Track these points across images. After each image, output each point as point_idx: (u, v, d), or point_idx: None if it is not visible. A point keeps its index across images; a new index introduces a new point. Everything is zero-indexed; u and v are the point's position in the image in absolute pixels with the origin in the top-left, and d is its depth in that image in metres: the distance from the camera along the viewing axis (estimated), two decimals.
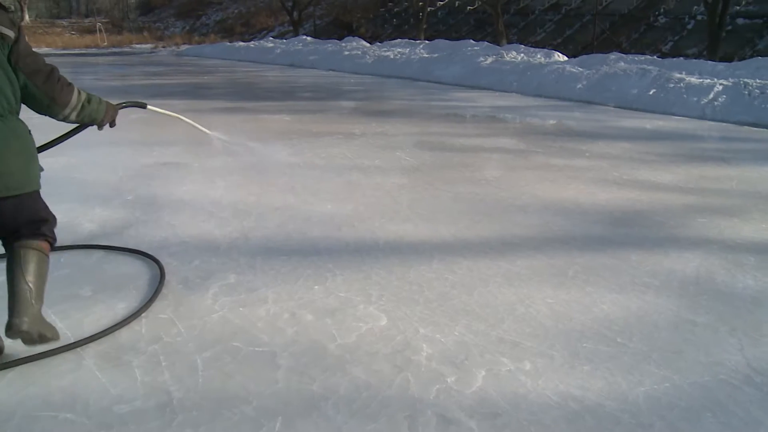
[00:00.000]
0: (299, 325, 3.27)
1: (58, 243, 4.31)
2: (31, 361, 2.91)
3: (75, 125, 3.24)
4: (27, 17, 63.72)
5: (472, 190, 5.96)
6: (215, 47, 37.35)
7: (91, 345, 3.08)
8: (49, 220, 3.03)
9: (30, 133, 2.86)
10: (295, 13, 47.18)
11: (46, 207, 3.05)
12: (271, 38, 38.92)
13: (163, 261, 4.10)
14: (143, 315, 3.40)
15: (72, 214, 5.18)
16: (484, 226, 4.93)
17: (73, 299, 3.62)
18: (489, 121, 10.48)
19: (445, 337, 3.13)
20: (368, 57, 21.49)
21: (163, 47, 47.65)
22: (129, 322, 3.31)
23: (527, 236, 4.69)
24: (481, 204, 5.51)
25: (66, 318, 3.38)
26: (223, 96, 14.85)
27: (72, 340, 3.10)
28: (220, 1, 64.15)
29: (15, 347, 2.95)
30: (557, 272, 3.98)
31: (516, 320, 3.32)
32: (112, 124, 3.28)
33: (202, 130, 4.21)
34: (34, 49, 2.79)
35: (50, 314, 3.40)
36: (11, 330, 2.73)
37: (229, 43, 38.72)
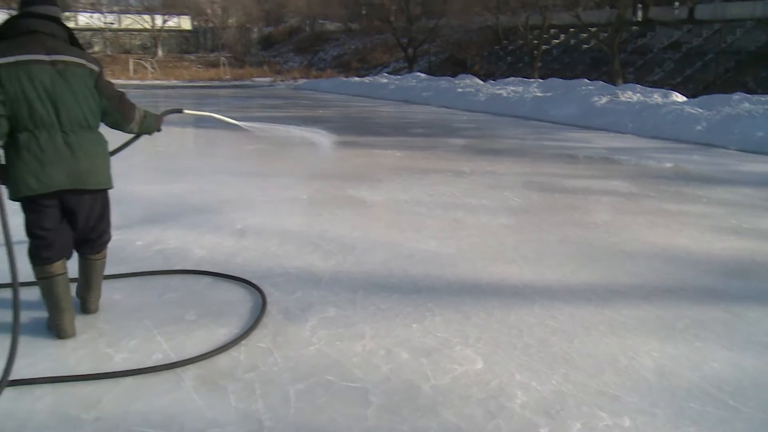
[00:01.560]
0: (394, 362, 3.27)
1: (170, 267, 4.54)
2: (134, 375, 3.06)
3: (134, 135, 4.03)
4: (160, 52, 67.32)
5: (580, 233, 5.84)
6: (331, 82, 38.23)
7: (191, 368, 3.20)
8: (108, 228, 3.83)
9: (106, 143, 3.66)
10: (410, 50, 47.83)
11: (109, 208, 3.82)
12: (385, 74, 39.49)
13: (266, 290, 4.21)
14: (242, 342, 3.48)
15: (184, 240, 5.40)
16: (590, 271, 4.80)
17: (178, 322, 3.78)
18: (602, 163, 10.25)
19: (541, 385, 3.06)
20: (481, 95, 21.49)
21: (282, 81, 49.23)
22: (228, 349, 3.41)
23: (635, 284, 4.53)
24: (589, 248, 5.38)
25: (170, 339, 3.53)
26: (337, 130, 15.15)
27: (174, 361, 3.23)
28: (337, 37, 65.83)
29: (124, 363, 3.10)
30: (665, 324, 3.83)
31: (617, 373, 3.20)
32: (159, 130, 4.09)
33: (236, 125, 4.69)
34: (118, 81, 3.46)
35: (156, 335, 3.59)
36: (89, 311, 3.87)
37: (344, 78, 39.60)
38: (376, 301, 4.10)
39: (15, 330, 2.93)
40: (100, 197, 3.64)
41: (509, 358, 3.33)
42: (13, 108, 3.22)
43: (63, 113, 3.32)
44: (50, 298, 3.51)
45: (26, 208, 3.42)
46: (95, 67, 3.49)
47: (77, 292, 3.89)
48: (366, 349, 3.43)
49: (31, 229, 3.44)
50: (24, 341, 3.41)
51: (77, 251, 3.73)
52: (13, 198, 3.34)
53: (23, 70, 3.21)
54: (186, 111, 4.44)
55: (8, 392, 2.91)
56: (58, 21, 3.44)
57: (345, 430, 2.67)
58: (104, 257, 3.83)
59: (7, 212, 2.93)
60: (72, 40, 3.51)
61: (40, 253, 3.47)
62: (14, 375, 2.95)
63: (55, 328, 3.55)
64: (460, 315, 3.90)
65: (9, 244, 2.98)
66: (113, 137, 3.87)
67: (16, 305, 2.97)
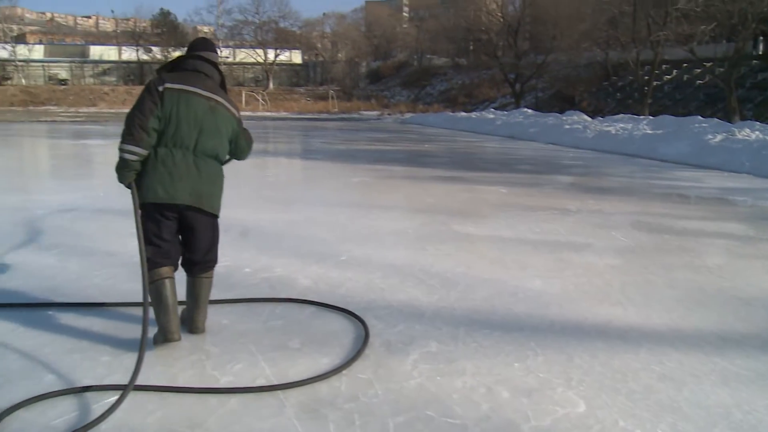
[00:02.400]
0: (495, 401, 3.24)
1: (276, 295, 4.67)
2: (235, 393, 3.18)
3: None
4: (271, 85, 69.50)
5: (690, 276, 5.64)
6: (438, 116, 38.53)
7: (293, 394, 3.26)
8: (217, 251, 4.16)
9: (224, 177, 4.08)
10: (517, 86, 47.70)
11: (218, 233, 4.17)
12: (492, 109, 39.49)
13: (369, 322, 4.25)
14: (344, 372, 3.53)
15: (290, 269, 5.54)
16: (701, 316, 4.62)
17: (282, 349, 3.86)
18: (715, 204, 9.89)
19: None
20: (589, 131, 21.18)
21: (389, 114, 49.94)
22: (328, 377, 3.47)
23: (750, 333, 4.32)
24: (700, 293, 5.19)
25: (274, 366, 3.61)
26: (443, 165, 15.25)
27: (277, 389, 3.31)
28: (444, 72, 66.30)
29: (229, 382, 3.20)
30: None
31: (731, 427, 3.06)
32: None
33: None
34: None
35: (260, 360, 3.68)
36: (197, 331, 4.06)
37: (451, 113, 39.86)
38: (478, 338, 4.08)
39: (142, 341, 3.37)
40: (215, 221, 4.04)
41: (613, 403, 3.24)
42: (163, 126, 3.72)
43: (201, 141, 3.81)
44: (160, 301, 3.78)
45: (149, 217, 3.79)
46: (238, 115, 4.09)
47: (184, 315, 4.12)
48: (467, 385, 3.41)
49: (149, 236, 3.79)
50: (133, 359, 3.60)
51: (187, 271, 4.04)
52: (147, 200, 3.75)
53: (184, 97, 3.76)
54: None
55: (123, 404, 3.06)
56: (216, 66, 4.02)
57: None
58: (212, 276, 4.12)
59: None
60: (222, 83, 4.06)
61: (155, 258, 3.79)
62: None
63: (163, 333, 3.79)
64: (563, 356, 3.83)
65: (143, 266, 3.59)
66: None
67: (144, 319, 3.44)
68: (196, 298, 4.05)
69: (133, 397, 3.20)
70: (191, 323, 4.07)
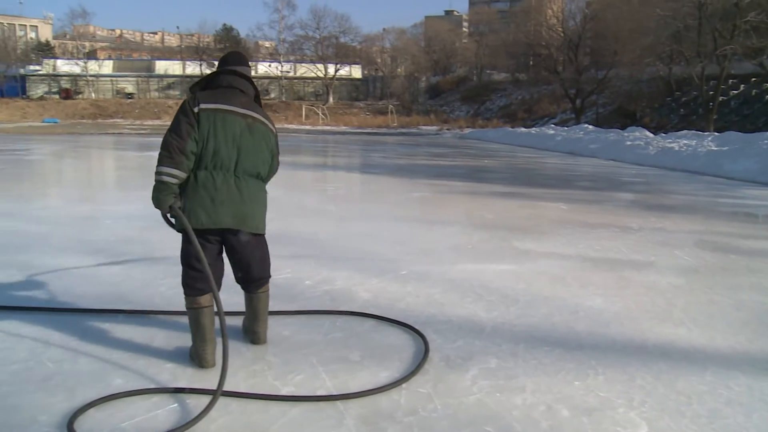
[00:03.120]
0: (554, 419, 3.22)
1: (336, 307, 4.73)
2: (298, 401, 3.22)
3: None
4: (331, 99, 70.24)
5: (757, 298, 5.50)
6: (497, 132, 38.38)
7: (353, 407, 3.31)
8: (269, 266, 4.13)
9: (266, 193, 4.04)
10: (578, 101, 47.24)
11: (267, 248, 4.14)
12: (552, 125, 39.21)
13: (429, 337, 4.27)
14: (403, 386, 3.56)
15: (351, 282, 5.60)
16: None
17: (342, 362, 3.90)
18: None
19: None
20: (651, 148, 20.83)
21: (448, 129, 49.95)
22: (388, 389, 3.51)
23: None
24: None
25: (334, 378, 3.66)
26: (502, 180, 15.19)
27: (337, 399, 3.37)
28: (504, 87, 66.05)
29: (290, 392, 3.26)
30: None
31: None
32: None
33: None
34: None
35: (321, 372, 3.74)
36: (259, 342, 4.13)
37: (510, 128, 39.67)
38: (538, 355, 4.06)
39: (225, 350, 3.46)
40: (262, 240, 3.99)
41: (677, 426, 3.19)
42: (202, 147, 3.62)
43: (241, 161, 3.72)
44: (197, 328, 3.76)
45: (191, 242, 3.64)
46: (274, 129, 4.00)
47: (245, 326, 4.20)
48: (526, 403, 3.40)
49: (188, 260, 3.75)
50: (198, 371, 3.69)
51: (243, 288, 4.06)
52: (179, 230, 3.71)
53: (220, 117, 3.65)
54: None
55: (187, 409, 3.16)
56: (250, 80, 3.93)
57: None
58: (268, 290, 4.12)
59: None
60: (257, 98, 3.97)
61: (195, 284, 3.73)
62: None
63: (197, 358, 3.79)
64: (624, 376, 3.78)
65: (209, 278, 3.54)
66: None
67: (222, 328, 3.51)
68: (255, 312, 4.08)
69: (197, 402, 3.29)
70: (253, 335, 4.12)
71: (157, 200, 3.61)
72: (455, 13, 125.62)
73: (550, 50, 53.19)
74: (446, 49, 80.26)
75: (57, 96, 73.18)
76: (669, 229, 8.64)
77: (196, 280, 3.73)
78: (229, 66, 3.91)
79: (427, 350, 4.04)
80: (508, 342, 4.27)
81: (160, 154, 3.58)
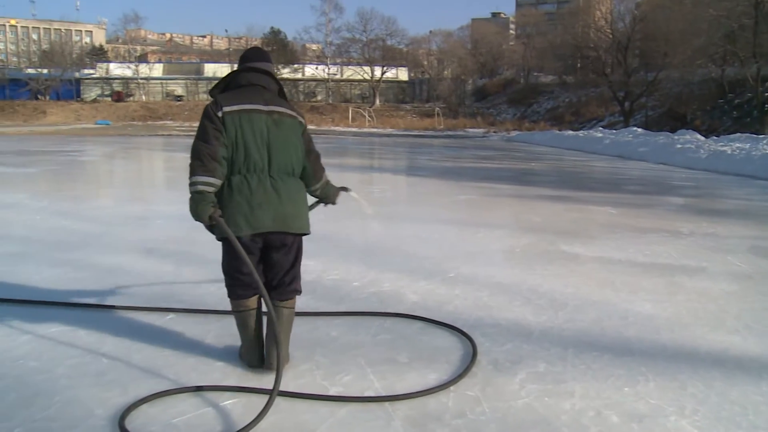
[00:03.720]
0: (603, 425, 3.19)
1: (384, 309, 4.74)
2: (346, 402, 3.27)
3: (315, 202, 4.09)
4: (377, 102, 70.45)
5: None
6: (544, 135, 38.08)
7: (402, 408, 3.32)
8: (299, 275, 3.88)
9: (305, 190, 3.87)
10: (626, 104, 46.59)
11: (302, 254, 3.88)
12: (600, 128, 38.73)
13: (477, 340, 4.27)
14: (451, 389, 3.56)
15: (398, 284, 5.62)
16: None
17: (391, 363, 3.92)
18: None
19: None
20: (702, 151, 20.45)
21: (494, 132, 49.71)
22: (436, 392, 3.52)
23: None
24: None
25: (382, 379, 3.68)
26: (549, 183, 15.08)
27: (385, 400, 3.39)
28: (551, 89, 65.51)
29: (338, 392, 3.29)
30: None
31: None
32: (334, 203, 4.14)
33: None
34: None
35: (369, 373, 3.76)
36: (270, 367, 3.71)
37: (557, 131, 39.30)
38: (587, 360, 4.03)
39: (279, 353, 3.38)
40: (299, 241, 3.79)
41: None
42: (232, 152, 3.51)
43: (274, 159, 3.58)
44: (245, 330, 3.75)
45: (230, 250, 3.57)
46: (303, 120, 3.80)
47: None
48: (575, 408, 3.38)
49: (229, 269, 3.69)
50: (248, 370, 3.74)
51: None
52: (219, 238, 3.59)
53: (245, 118, 3.53)
54: (351, 193, 4.35)
55: (238, 407, 3.21)
56: (272, 75, 3.79)
57: None
58: (293, 308, 3.83)
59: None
60: (281, 92, 3.83)
61: (237, 291, 3.71)
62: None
63: (246, 359, 3.81)
64: (675, 383, 3.72)
65: (261, 290, 3.44)
66: None
67: (277, 332, 3.47)
68: (273, 329, 3.63)
69: (246, 400, 3.35)
70: (267, 358, 3.76)
71: (196, 213, 3.43)
72: (502, 15, 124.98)
73: (598, 52, 52.54)
74: (493, 51, 79.85)
75: (109, 98, 74.74)
76: (721, 235, 8.48)
77: (237, 287, 3.70)
78: (249, 63, 3.77)
79: (475, 353, 4.03)
80: (557, 346, 4.24)
81: (191, 164, 3.45)
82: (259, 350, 3.77)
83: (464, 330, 4.43)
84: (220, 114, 3.49)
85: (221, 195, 3.53)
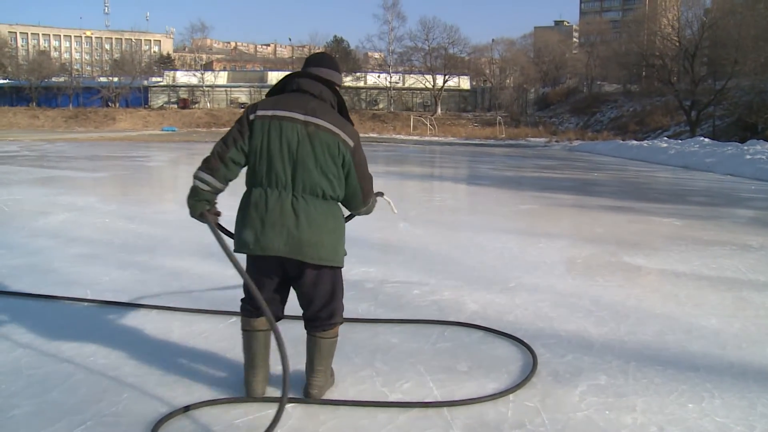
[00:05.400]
0: None
1: (444, 318, 4.74)
2: (402, 407, 3.28)
3: (349, 215, 3.69)
4: (439, 110, 70.48)
5: None
6: (607, 144, 37.52)
7: (460, 417, 3.32)
8: (339, 308, 3.51)
9: (344, 219, 3.46)
10: (693, 113, 45.50)
11: (341, 287, 3.52)
12: (665, 138, 37.98)
13: (537, 351, 4.24)
14: (511, 399, 3.55)
15: (459, 293, 5.62)
16: None
17: (450, 371, 3.93)
18: None
19: None
20: None
21: (556, 142, 49.18)
22: (495, 398, 3.54)
23: None
24: None
25: (441, 387, 3.69)
26: (611, 194, 14.85)
27: (444, 408, 3.41)
28: (615, 98, 64.53)
29: (398, 399, 3.31)
30: None
31: None
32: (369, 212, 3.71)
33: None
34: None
35: (428, 381, 3.77)
36: (310, 395, 3.47)
37: (621, 141, 38.66)
38: (649, 374, 3.96)
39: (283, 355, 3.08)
40: (329, 274, 3.38)
41: None
42: (254, 161, 3.22)
43: (299, 177, 3.18)
44: (247, 353, 3.47)
45: (247, 264, 3.38)
46: (350, 140, 3.28)
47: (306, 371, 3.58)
48: (637, 422, 3.33)
49: (245, 287, 3.38)
50: (295, 381, 3.79)
51: (305, 326, 3.53)
52: (234, 251, 3.31)
53: (275, 125, 3.18)
54: (384, 197, 3.97)
55: (299, 414, 3.25)
56: (329, 85, 3.37)
57: None
58: (333, 337, 3.53)
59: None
60: (341, 106, 3.40)
61: (246, 306, 3.47)
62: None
63: (245, 384, 3.49)
64: (744, 402, 3.63)
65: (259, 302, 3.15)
66: None
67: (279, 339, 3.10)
68: (310, 357, 3.49)
69: (306, 408, 3.39)
70: (305, 385, 3.52)
71: (190, 205, 3.31)
72: (565, 23, 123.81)
73: (664, 60, 51.54)
74: (556, 60, 79.00)
75: (175, 106, 76.54)
76: None
77: (249, 301, 3.45)
78: (309, 67, 3.41)
79: (535, 363, 4.01)
80: (619, 359, 4.18)
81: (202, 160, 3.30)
82: (260, 380, 3.49)
83: (524, 340, 4.41)
84: (251, 117, 3.22)
85: (240, 206, 3.33)
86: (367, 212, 3.64)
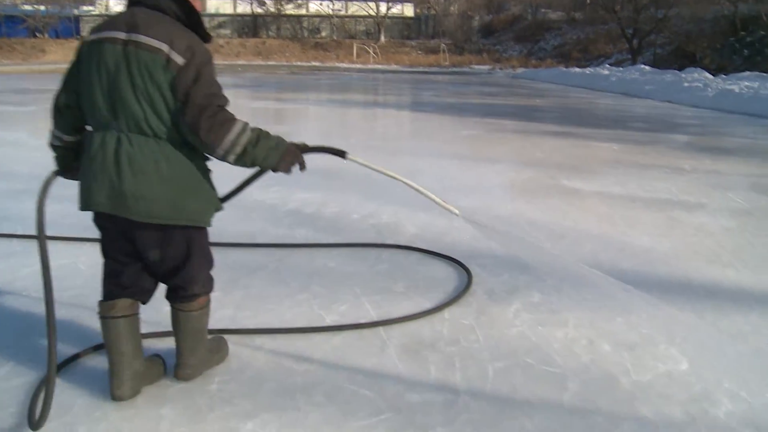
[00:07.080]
0: (595, 353, 3.24)
1: (383, 241, 4.75)
2: (343, 330, 3.35)
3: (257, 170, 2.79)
4: (382, 38, 69.52)
5: None
6: (550, 72, 37.65)
7: (395, 335, 3.38)
8: (199, 277, 2.81)
9: (200, 167, 2.64)
10: (634, 41, 45.84)
11: (203, 251, 2.81)
12: (607, 66, 38.21)
13: (473, 270, 4.31)
14: (446, 317, 3.61)
15: (398, 216, 5.65)
16: None
17: (386, 292, 3.98)
18: None
19: (752, 397, 2.87)
20: (710, 90, 20.19)
21: (500, 69, 49.12)
22: (428, 315, 3.62)
23: None
24: None
25: (378, 308, 3.74)
26: (554, 120, 14.97)
27: (380, 328, 3.47)
28: (559, 26, 64.43)
29: (334, 321, 3.33)
30: None
31: None
32: (284, 171, 2.70)
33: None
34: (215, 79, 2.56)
35: (365, 303, 3.81)
36: (180, 377, 2.87)
37: (564, 69, 38.82)
38: (582, 291, 4.05)
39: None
40: (179, 235, 2.66)
41: (718, 364, 3.17)
42: (81, 99, 2.57)
43: (120, 111, 2.46)
44: (106, 344, 2.75)
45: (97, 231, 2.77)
46: (178, 57, 2.43)
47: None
48: (568, 336, 3.43)
49: (102, 253, 2.80)
50: (251, 298, 3.78)
51: (166, 298, 2.87)
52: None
53: (95, 49, 2.49)
54: (350, 157, 3.19)
55: (235, 339, 3.26)
56: None
57: (540, 411, 2.71)
58: (197, 310, 2.83)
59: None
60: (191, 21, 2.60)
61: (104, 285, 2.79)
62: (239, 326, 3.33)
63: (109, 384, 2.74)
64: (667, 314, 3.77)
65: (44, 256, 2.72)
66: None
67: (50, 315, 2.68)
68: (175, 333, 2.86)
69: (247, 338, 3.38)
70: (175, 365, 2.90)
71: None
72: None
73: None
74: None
75: None
76: (723, 172, 8.45)
77: (105, 278, 2.81)
78: None
79: (470, 281, 4.08)
80: (553, 278, 4.26)
81: None
82: (127, 376, 2.72)
83: (461, 260, 4.47)
84: (80, 45, 2.59)
85: None
86: (256, 163, 2.58)
